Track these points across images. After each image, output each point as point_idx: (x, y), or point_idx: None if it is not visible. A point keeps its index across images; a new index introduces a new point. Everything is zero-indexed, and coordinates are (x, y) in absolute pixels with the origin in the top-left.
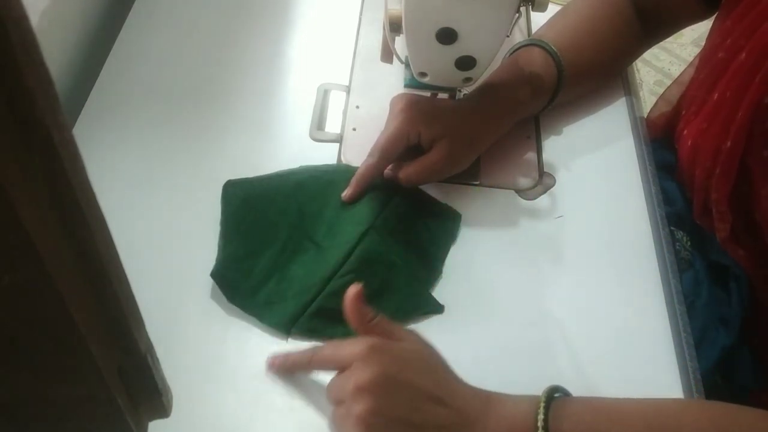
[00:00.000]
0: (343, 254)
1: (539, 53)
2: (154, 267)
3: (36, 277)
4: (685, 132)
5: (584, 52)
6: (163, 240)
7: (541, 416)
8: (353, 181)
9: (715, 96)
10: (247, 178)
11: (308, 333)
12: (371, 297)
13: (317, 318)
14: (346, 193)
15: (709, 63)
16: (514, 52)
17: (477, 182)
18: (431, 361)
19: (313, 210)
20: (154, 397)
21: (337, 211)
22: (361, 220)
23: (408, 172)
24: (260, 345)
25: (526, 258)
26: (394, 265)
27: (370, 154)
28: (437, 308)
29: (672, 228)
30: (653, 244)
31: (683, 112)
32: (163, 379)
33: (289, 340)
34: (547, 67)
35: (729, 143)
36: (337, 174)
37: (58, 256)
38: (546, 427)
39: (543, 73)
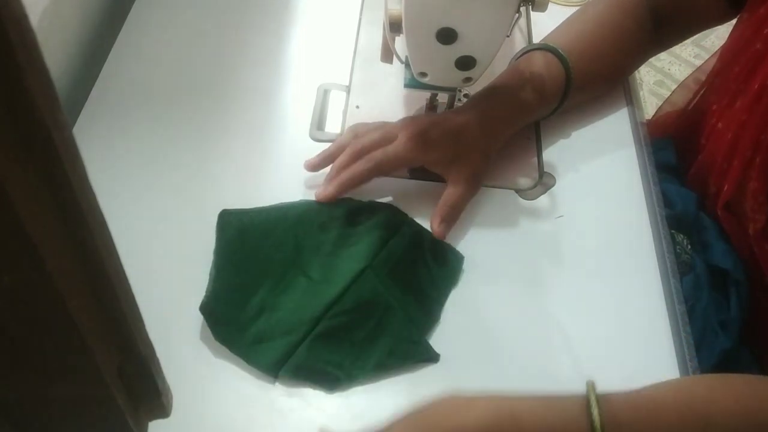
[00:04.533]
0: (336, 292)
1: (549, 58)
2: (155, 266)
3: (36, 277)
4: (720, 125)
5: (595, 59)
6: (163, 240)
7: (595, 413)
8: (336, 181)
9: (756, 86)
10: (243, 209)
11: (295, 375)
12: (364, 340)
13: (306, 359)
14: (322, 192)
15: (742, 55)
16: (523, 54)
17: None
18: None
19: (311, 245)
20: (154, 397)
21: (334, 247)
22: (359, 257)
23: (439, 223)
24: None
25: (526, 258)
26: (390, 307)
27: (366, 161)
28: (432, 357)
29: (672, 231)
30: (653, 244)
31: (713, 107)
32: (163, 379)
33: (277, 384)
34: (556, 72)
35: None
36: (338, 209)
37: (58, 256)
38: (605, 427)
39: (552, 78)
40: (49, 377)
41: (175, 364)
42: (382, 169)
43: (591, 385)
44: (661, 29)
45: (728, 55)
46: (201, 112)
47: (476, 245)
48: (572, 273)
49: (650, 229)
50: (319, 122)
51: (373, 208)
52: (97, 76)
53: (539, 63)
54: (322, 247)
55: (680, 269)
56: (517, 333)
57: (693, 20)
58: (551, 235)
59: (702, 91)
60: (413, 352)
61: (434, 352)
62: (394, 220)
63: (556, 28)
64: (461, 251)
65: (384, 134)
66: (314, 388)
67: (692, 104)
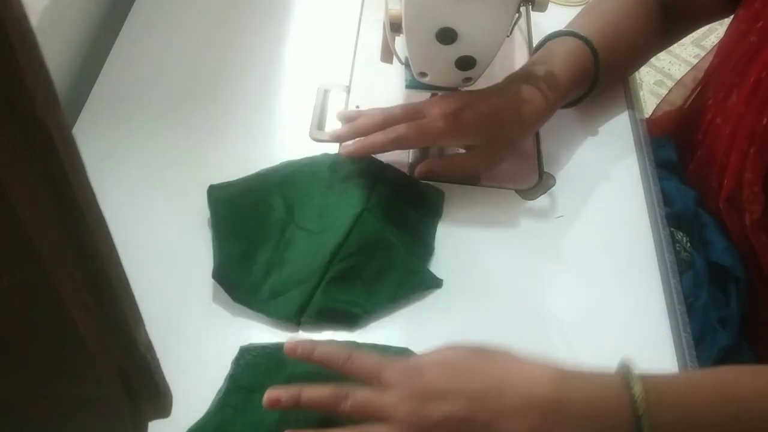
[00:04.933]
0: (339, 238)
1: (576, 43)
2: (154, 266)
3: (36, 277)
4: (718, 120)
5: (617, 49)
6: (163, 239)
7: (639, 392)
8: (364, 143)
9: (751, 79)
10: (229, 181)
11: (317, 319)
12: (373, 278)
13: (324, 303)
14: (350, 148)
15: (737, 49)
16: (549, 40)
17: (477, 182)
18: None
19: (301, 202)
20: (154, 397)
21: (325, 198)
22: (354, 203)
23: (427, 171)
24: None
25: (526, 258)
26: (391, 244)
27: (390, 131)
28: (436, 282)
29: (672, 229)
30: (653, 244)
31: (709, 102)
32: (163, 379)
33: (300, 332)
34: (585, 58)
35: (765, 120)
36: (319, 164)
37: (58, 256)
38: (647, 404)
39: (582, 64)
40: (49, 377)
41: (175, 364)
42: (403, 143)
43: (627, 364)
44: (668, 23)
45: (725, 50)
46: (201, 112)
47: (476, 245)
48: (572, 273)
49: (650, 229)
50: (319, 122)
51: (353, 159)
52: (97, 76)
53: (570, 49)
54: (311, 201)
55: (680, 267)
56: (518, 332)
57: (694, 14)
58: (551, 235)
59: (699, 89)
60: (419, 281)
61: (437, 278)
62: (376, 167)
63: (575, 17)
64: (461, 251)
65: (414, 108)
66: (335, 329)
67: (689, 101)
